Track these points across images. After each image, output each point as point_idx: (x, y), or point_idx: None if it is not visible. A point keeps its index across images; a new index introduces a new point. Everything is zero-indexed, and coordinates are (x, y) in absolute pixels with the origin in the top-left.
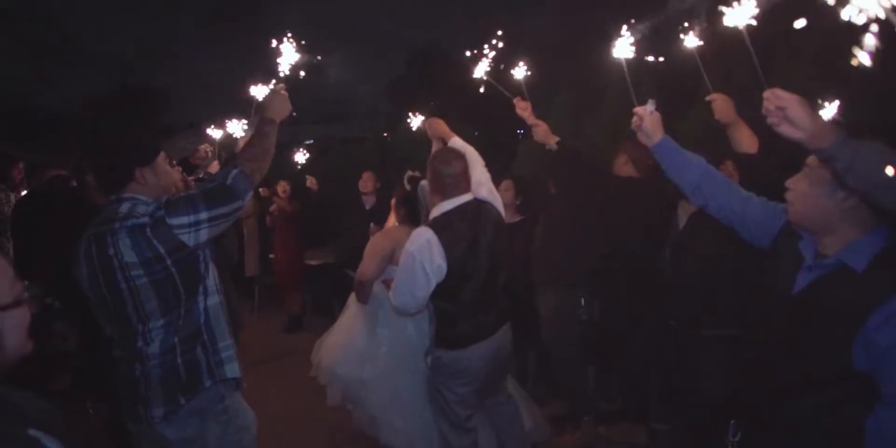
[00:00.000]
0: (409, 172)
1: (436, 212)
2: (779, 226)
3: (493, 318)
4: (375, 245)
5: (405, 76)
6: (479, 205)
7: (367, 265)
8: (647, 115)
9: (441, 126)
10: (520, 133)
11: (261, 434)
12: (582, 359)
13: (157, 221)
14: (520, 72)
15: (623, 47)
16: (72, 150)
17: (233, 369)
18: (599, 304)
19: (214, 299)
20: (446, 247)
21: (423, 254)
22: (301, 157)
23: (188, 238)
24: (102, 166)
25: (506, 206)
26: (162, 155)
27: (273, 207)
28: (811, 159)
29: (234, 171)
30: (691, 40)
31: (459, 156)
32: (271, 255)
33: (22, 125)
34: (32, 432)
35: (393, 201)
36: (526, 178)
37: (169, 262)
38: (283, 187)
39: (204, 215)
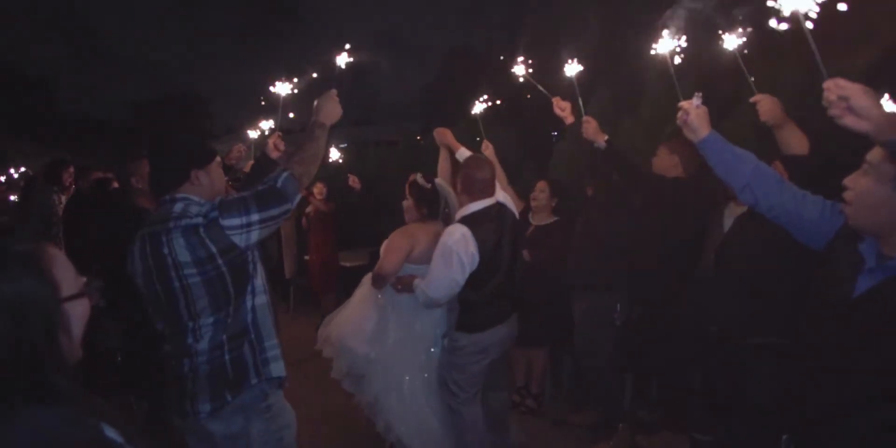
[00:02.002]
0: (419, 175)
1: (463, 212)
2: (837, 226)
3: (506, 307)
4: (395, 242)
5: (438, 79)
6: (500, 207)
7: (388, 261)
8: (693, 110)
9: (448, 136)
10: (555, 135)
11: None
12: (616, 365)
13: (210, 222)
14: (571, 69)
15: (665, 42)
16: (116, 154)
17: (278, 368)
18: (638, 309)
19: (262, 299)
20: (478, 241)
21: (459, 246)
22: (335, 154)
23: (239, 239)
24: (161, 167)
25: (541, 207)
26: (217, 159)
27: (309, 208)
28: (871, 155)
29: (285, 174)
30: (733, 39)
31: (490, 163)
32: (306, 257)
33: (68, 130)
34: (100, 423)
35: (409, 202)
36: (561, 179)
37: (220, 261)
38: (319, 189)
39: (255, 217)
